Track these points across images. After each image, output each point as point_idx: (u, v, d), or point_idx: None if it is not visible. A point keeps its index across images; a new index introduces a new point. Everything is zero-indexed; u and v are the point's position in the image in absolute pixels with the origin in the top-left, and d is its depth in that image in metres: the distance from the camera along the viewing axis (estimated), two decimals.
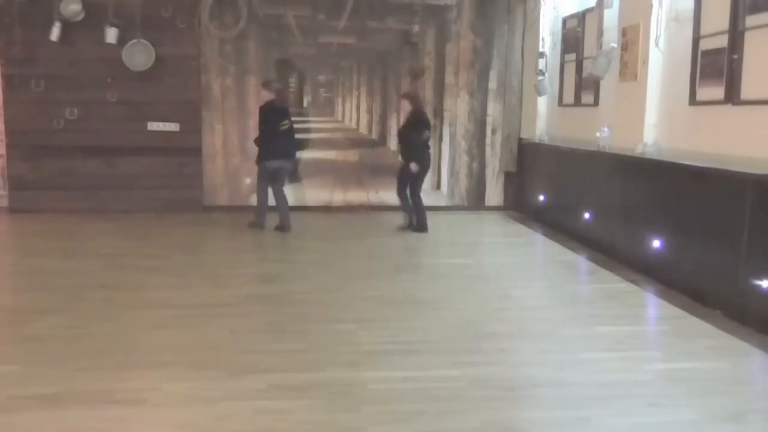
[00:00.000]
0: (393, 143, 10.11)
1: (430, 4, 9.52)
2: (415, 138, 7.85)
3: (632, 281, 5.99)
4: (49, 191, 9.04)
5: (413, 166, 7.82)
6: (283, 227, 7.93)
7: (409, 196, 8.03)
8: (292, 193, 9.58)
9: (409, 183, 7.98)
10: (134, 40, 8.84)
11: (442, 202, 9.92)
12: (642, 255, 6.20)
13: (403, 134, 8.08)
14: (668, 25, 6.33)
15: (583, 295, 5.82)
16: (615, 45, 6.98)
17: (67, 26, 8.72)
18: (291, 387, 3.67)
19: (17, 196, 9.07)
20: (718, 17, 5.60)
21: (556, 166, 8.61)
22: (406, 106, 8.13)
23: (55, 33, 8.65)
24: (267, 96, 7.84)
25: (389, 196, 9.86)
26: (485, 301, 5.42)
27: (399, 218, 8.27)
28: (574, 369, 3.99)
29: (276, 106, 7.84)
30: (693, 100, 5.96)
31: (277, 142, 7.77)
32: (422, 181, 8.06)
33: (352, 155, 10.09)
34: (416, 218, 8.04)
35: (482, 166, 9.93)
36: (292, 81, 9.91)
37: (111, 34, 8.71)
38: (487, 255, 7.31)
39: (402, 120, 8.54)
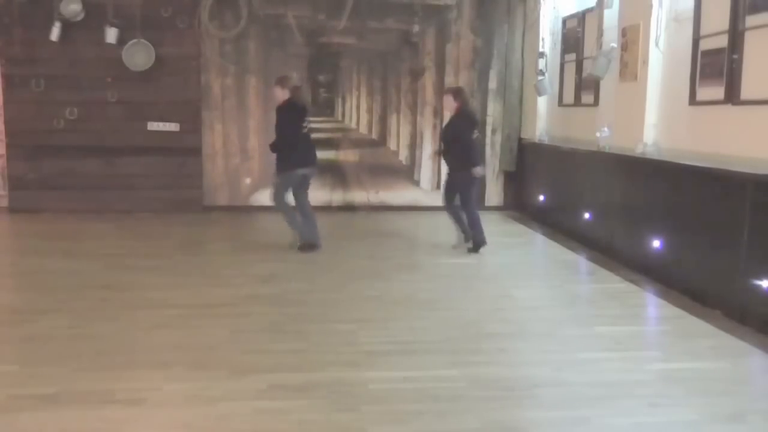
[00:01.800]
0: (393, 143, 10.13)
1: (430, 4, 9.51)
2: (467, 138, 6.84)
3: (632, 281, 5.99)
4: (49, 191, 9.04)
5: (479, 170, 6.96)
6: (312, 244, 7.02)
7: (459, 208, 7.10)
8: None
9: (460, 192, 7.03)
10: (134, 40, 8.84)
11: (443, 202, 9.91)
12: (642, 255, 6.20)
13: (449, 135, 7.05)
14: (668, 25, 6.32)
15: (583, 295, 5.82)
16: (615, 45, 6.98)
17: (67, 26, 8.72)
18: (291, 387, 3.67)
19: (17, 196, 9.07)
20: (718, 17, 5.59)
21: (556, 166, 8.61)
22: (449, 104, 7.06)
23: (55, 33, 8.65)
24: (281, 95, 6.90)
25: (389, 196, 9.89)
26: (485, 301, 5.42)
27: (399, 220, 8.26)
28: (574, 369, 3.99)
29: (297, 105, 6.96)
30: (693, 100, 5.96)
31: (304, 147, 6.92)
32: (475, 188, 7.11)
33: (352, 155, 10.09)
34: (473, 233, 7.05)
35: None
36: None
37: (111, 34, 8.71)
38: (487, 255, 7.30)
39: (444, 120, 7.45)
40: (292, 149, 6.84)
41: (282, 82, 7.02)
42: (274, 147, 6.95)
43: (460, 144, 6.88)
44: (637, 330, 4.90)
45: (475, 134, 7.03)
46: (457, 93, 7.12)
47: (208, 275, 6.09)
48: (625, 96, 6.85)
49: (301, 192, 7.06)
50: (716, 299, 5.14)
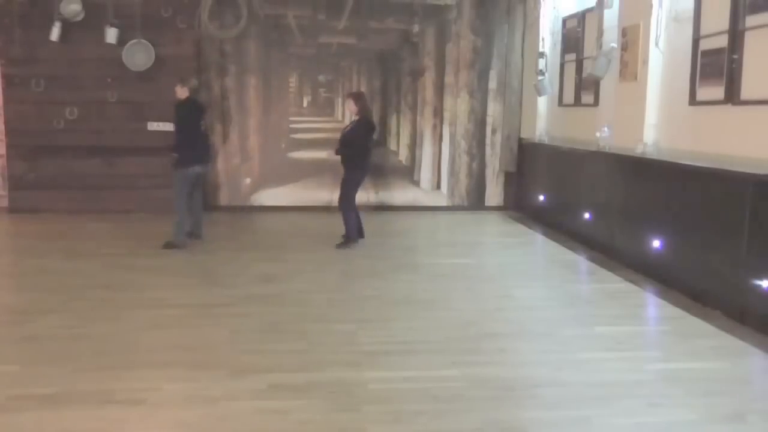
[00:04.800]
0: (393, 143, 10.12)
1: (430, 4, 9.52)
2: (363, 143, 7.16)
3: (632, 281, 5.99)
4: (49, 191, 9.04)
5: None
6: (198, 234, 7.47)
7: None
8: (290, 192, 9.62)
9: (343, 190, 7.28)
10: (134, 40, 8.84)
11: (442, 202, 9.92)
12: (642, 255, 6.20)
13: (349, 139, 7.18)
14: (668, 25, 6.33)
15: (583, 295, 5.82)
16: (615, 45, 6.98)
17: (67, 26, 8.72)
18: (291, 387, 3.67)
19: (17, 196, 9.06)
20: (718, 17, 5.60)
21: (556, 166, 8.61)
22: (351, 107, 7.23)
23: (55, 33, 8.65)
24: (181, 92, 7.18)
25: (389, 195, 9.88)
26: (485, 301, 5.42)
27: (399, 220, 8.24)
28: (574, 369, 3.99)
29: (197, 103, 7.37)
30: (693, 100, 5.96)
31: (200, 145, 7.23)
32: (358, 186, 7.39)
33: None
34: (348, 227, 7.27)
35: (482, 166, 9.93)
36: (292, 80, 9.91)
37: (111, 34, 8.71)
38: (487, 255, 7.30)
39: (349, 122, 7.53)
40: (190, 146, 7.04)
41: (184, 80, 7.30)
42: (174, 146, 7.15)
43: (354, 147, 7.11)
44: (637, 330, 4.90)
45: (372, 140, 7.32)
46: (358, 98, 7.29)
47: (208, 275, 6.09)
48: (625, 96, 6.85)
49: (195, 190, 7.32)
50: (716, 299, 5.14)
